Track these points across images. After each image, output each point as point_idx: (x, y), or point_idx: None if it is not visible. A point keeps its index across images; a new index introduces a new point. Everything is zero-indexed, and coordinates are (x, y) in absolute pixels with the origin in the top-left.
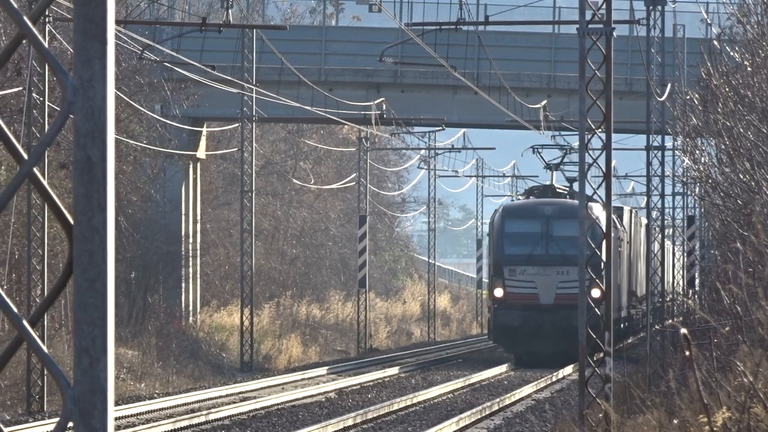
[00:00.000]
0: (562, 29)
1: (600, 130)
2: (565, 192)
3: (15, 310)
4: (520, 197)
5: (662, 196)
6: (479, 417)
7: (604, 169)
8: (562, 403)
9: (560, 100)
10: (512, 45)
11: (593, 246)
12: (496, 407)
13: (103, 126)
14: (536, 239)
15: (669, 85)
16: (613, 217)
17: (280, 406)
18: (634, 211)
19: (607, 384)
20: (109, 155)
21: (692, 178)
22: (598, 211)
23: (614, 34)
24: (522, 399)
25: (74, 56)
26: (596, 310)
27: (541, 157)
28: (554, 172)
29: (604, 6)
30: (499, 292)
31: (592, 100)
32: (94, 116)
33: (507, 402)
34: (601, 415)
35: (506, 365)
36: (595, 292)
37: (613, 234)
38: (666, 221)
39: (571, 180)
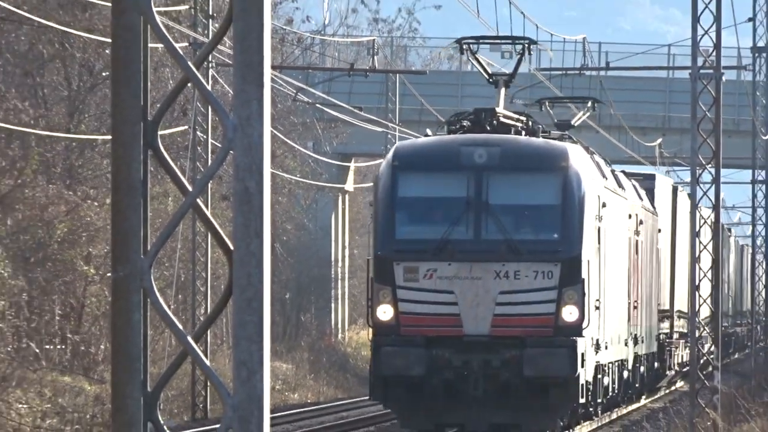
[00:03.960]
0: (676, 74)
1: (710, 165)
2: (519, 126)
3: (181, 327)
4: (429, 132)
5: (766, 225)
6: None
7: (713, 201)
8: (675, 412)
9: (674, 138)
10: (630, 88)
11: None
12: None
13: (260, 161)
14: (457, 211)
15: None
16: (639, 190)
17: None
18: (677, 187)
19: (715, 395)
20: (265, 187)
21: None
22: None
23: (723, 78)
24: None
25: (234, 98)
26: (575, 345)
27: (550, 113)
28: (504, 95)
29: (714, 53)
30: (385, 313)
31: (703, 138)
32: (252, 152)
33: None
34: (709, 423)
35: None
36: (569, 312)
37: (641, 217)
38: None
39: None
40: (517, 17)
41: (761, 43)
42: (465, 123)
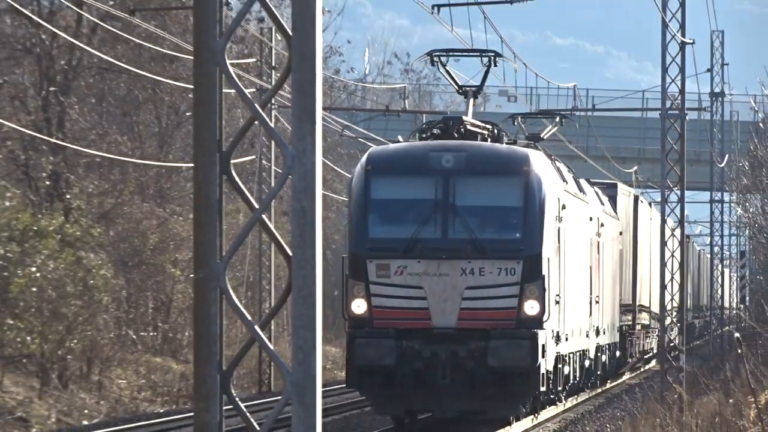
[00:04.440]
0: (648, 114)
1: (676, 188)
2: (485, 133)
3: (249, 318)
4: (400, 139)
5: (722, 236)
6: None
7: (678, 216)
8: (648, 387)
9: (647, 166)
10: (612, 126)
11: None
12: None
13: (313, 184)
14: (426, 212)
15: (727, 155)
16: (602, 197)
17: None
18: (638, 197)
19: (681, 373)
20: (317, 205)
21: (743, 223)
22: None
23: (687, 118)
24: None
25: (291, 133)
26: (534, 336)
27: (522, 127)
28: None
29: (679, 98)
30: (359, 307)
31: (670, 166)
32: (307, 177)
33: None
34: (676, 396)
35: None
36: (530, 306)
37: (602, 220)
38: (724, 255)
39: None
40: (520, 68)
41: (717, 90)
42: (435, 131)
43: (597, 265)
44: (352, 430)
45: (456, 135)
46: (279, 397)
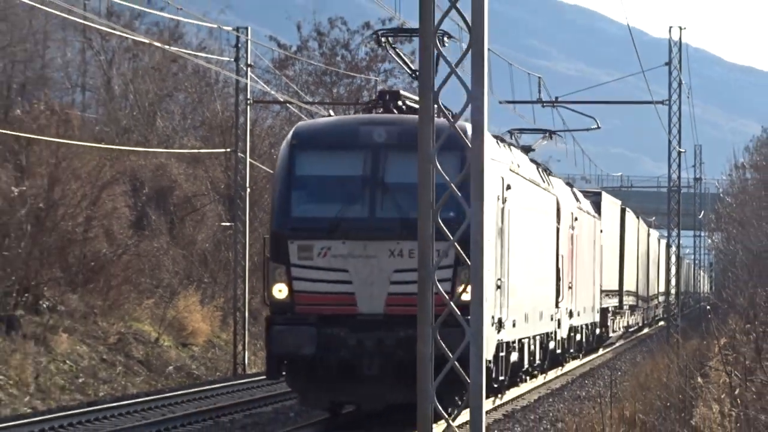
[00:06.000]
0: (661, 190)
1: (674, 230)
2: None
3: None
4: (331, 113)
5: (701, 254)
6: None
7: (676, 244)
8: (657, 337)
9: (661, 216)
10: (641, 196)
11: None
12: None
13: (482, 121)
14: (353, 189)
15: (702, 211)
16: (579, 196)
17: None
18: (626, 209)
19: (677, 328)
20: (484, 136)
21: (711, 247)
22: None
23: (681, 192)
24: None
25: (472, 83)
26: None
27: (517, 141)
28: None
29: (676, 181)
30: (280, 292)
31: (673, 217)
32: (479, 113)
33: None
34: (674, 341)
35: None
36: (465, 290)
37: (576, 215)
38: (702, 264)
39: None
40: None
41: (698, 176)
42: (370, 105)
43: (570, 254)
44: (283, 421)
45: (395, 111)
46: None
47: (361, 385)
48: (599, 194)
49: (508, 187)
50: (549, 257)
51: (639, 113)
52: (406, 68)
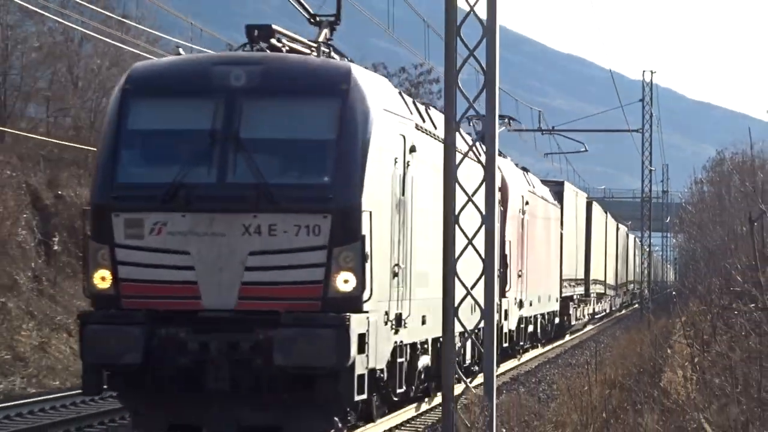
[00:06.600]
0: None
1: (647, 231)
2: (309, 52)
3: None
4: (181, 52)
5: (667, 251)
6: None
7: (648, 244)
8: (630, 317)
9: (637, 221)
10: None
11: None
12: None
13: (493, 145)
14: (198, 148)
15: (669, 217)
16: (532, 179)
17: None
18: (592, 202)
19: (649, 309)
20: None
21: (676, 246)
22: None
23: (652, 201)
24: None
25: (487, 110)
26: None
27: (475, 128)
28: None
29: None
30: (103, 280)
31: (645, 222)
32: (490, 135)
33: None
34: (646, 319)
35: None
36: (343, 279)
37: (527, 198)
38: (669, 258)
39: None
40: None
41: (665, 189)
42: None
43: (520, 240)
44: None
45: (262, 44)
46: None
47: (206, 402)
48: (562, 183)
49: (413, 149)
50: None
51: (619, 139)
52: (304, 13)
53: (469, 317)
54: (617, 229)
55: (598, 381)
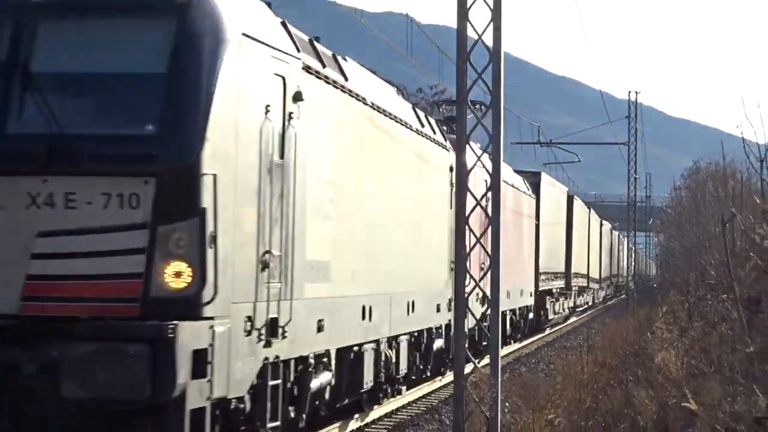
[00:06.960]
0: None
1: (632, 231)
2: None
3: None
4: None
5: (650, 248)
6: None
7: (633, 242)
8: (618, 306)
9: (624, 222)
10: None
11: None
12: None
13: (498, 158)
14: None
15: (651, 219)
16: (518, 177)
17: None
18: (573, 196)
19: (633, 300)
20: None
21: (657, 244)
22: None
23: (636, 205)
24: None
25: (492, 124)
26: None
27: (442, 113)
28: None
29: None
30: None
31: (631, 223)
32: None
33: None
34: (631, 309)
35: None
36: (173, 272)
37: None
38: (651, 254)
39: None
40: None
41: (648, 194)
42: None
43: (482, 230)
44: None
45: None
46: None
47: None
48: (538, 174)
49: (298, 98)
50: (438, 230)
51: (608, 151)
52: None
53: (354, 328)
54: (601, 225)
55: (590, 362)
